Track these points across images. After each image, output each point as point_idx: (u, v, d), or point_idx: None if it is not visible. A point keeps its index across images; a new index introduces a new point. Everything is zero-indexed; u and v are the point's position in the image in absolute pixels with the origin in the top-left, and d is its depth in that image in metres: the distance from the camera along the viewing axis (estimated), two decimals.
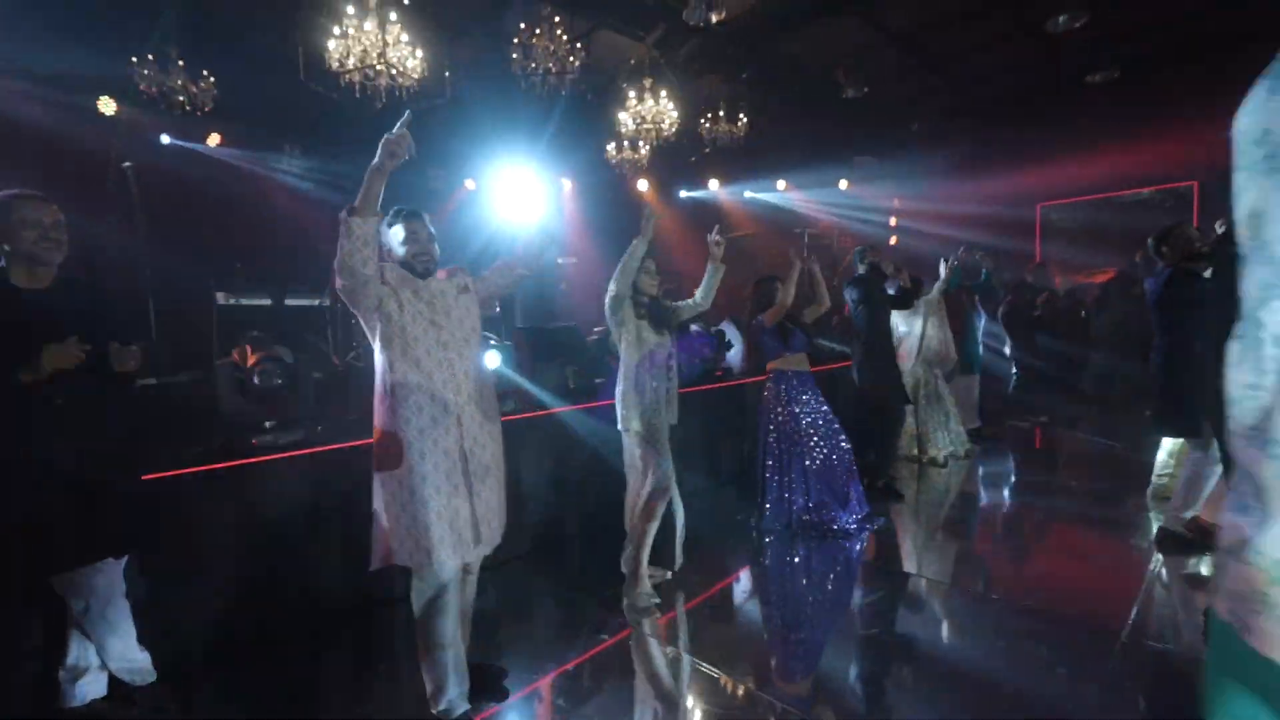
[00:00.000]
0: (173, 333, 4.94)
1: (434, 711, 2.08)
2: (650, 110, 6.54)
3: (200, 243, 5.80)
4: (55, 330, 1.93)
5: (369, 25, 4.51)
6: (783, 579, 3.35)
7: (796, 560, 3.51)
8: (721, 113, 7.47)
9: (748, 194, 10.50)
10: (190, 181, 6.32)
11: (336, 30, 4.55)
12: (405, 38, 4.71)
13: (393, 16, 4.64)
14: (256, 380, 2.69)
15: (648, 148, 7.49)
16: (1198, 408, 3.13)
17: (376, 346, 2.05)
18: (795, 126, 9.39)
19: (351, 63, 4.62)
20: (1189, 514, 3.28)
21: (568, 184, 9.60)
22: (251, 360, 2.49)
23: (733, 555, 3.66)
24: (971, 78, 8.50)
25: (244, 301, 5.47)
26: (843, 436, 3.89)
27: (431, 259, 2.12)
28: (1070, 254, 8.99)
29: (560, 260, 9.04)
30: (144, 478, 2.31)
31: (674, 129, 6.74)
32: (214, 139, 6.68)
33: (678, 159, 8.78)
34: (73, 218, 2.10)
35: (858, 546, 3.65)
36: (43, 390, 1.91)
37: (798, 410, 3.79)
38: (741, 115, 7.57)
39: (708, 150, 7.69)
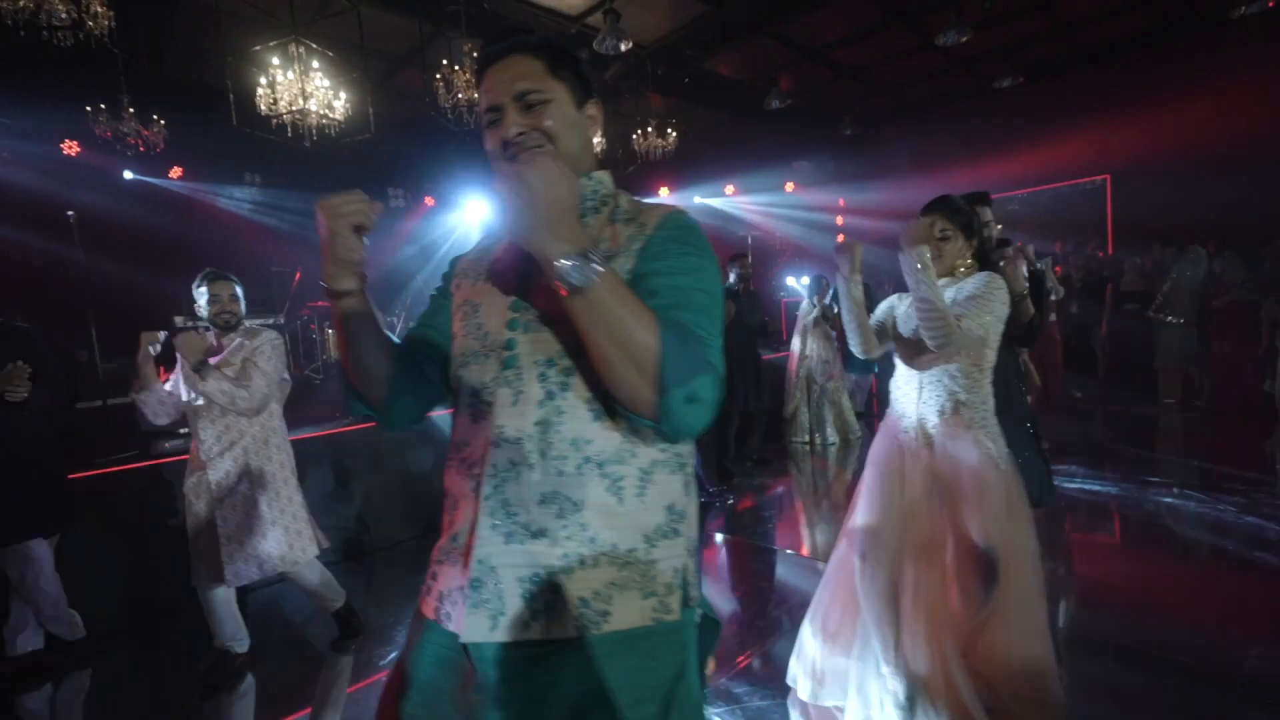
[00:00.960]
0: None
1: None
2: None
3: (160, 270, 6.38)
4: None
5: (291, 75, 5.06)
6: None
7: None
8: (650, 128, 8.01)
9: (697, 199, 11.03)
10: (150, 213, 6.91)
11: (264, 79, 5.10)
12: (327, 82, 5.25)
13: (315, 64, 5.20)
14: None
15: None
16: None
17: None
18: (730, 135, 9.92)
19: (281, 106, 5.17)
20: None
21: None
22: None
23: None
24: (889, 86, 9.01)
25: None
26: None
27: (234, 315, 2.54)
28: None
29: None
30: (70, 476, 2.88)
31: (602, 147, 7.28)
32: (175, 171, 7.26)
33: (617, 171, 9.31)
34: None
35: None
36: None
37: None
38: (671, 130, 8.10)
39: (640, 163, 8.21)
